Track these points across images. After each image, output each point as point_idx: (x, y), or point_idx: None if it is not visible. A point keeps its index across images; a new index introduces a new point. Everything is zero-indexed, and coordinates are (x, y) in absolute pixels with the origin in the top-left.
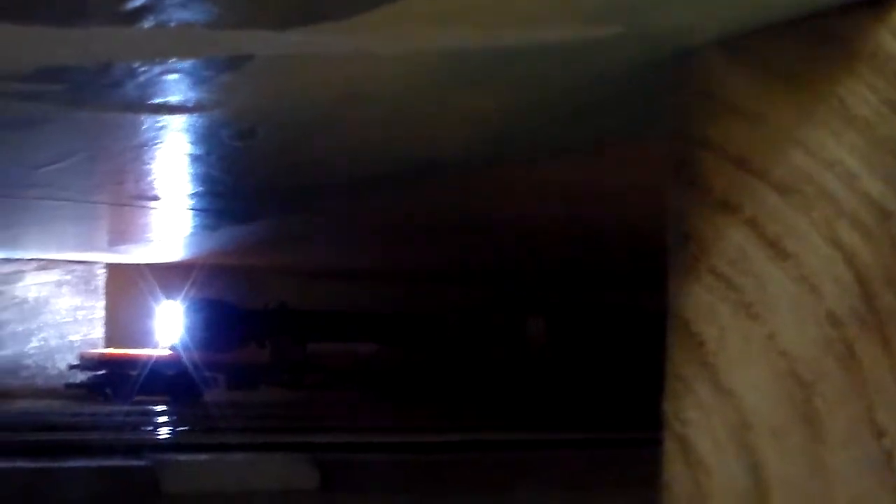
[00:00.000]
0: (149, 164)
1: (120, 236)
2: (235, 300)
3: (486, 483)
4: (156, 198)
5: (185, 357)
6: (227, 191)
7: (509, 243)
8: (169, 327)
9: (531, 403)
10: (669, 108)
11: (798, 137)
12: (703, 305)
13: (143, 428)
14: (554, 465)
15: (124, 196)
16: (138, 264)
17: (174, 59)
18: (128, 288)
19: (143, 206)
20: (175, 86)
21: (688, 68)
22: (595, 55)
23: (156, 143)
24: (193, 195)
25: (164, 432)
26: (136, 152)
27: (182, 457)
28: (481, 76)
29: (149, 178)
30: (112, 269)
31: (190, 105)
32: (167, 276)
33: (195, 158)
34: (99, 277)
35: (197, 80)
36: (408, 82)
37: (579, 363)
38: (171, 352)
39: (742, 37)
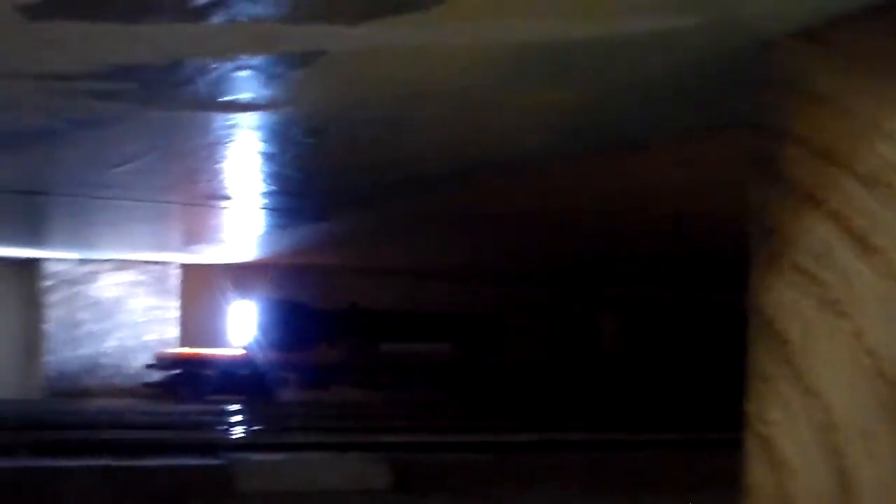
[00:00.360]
0: (221, 163)
1: (193, 236)
2: (308, 300)
3: (558, 483)
4: (228, 197)
5: (258, 357)
6: (299, 189)
7: (583, 240)
8: (242, 327)
9: (604, 403)
10: (750, 100)
11: (884, 129)
12: (787, 302)
13: (217, 427)
14: (628, 465)
15: (197, 196)
16: (212, 264)
17: (245, 56)
18: (202, 288)
19: (216, 206)
20: (246, 83)
21: (770, 59)
22: (674, 46)
23: (227, 142)
24: (266, 194)
25: (238, 431)
26: (208, 151)
27: (256, 456)
28: (556, 69)
29: (221, 178)
30: (186, 269)
31: (261, 102)
32: (240, 276)
33: (267, 157)
34: (173, 278)
35: (268, 76)
36: (479, 77)
37: (654, 362)
38: (244, 352)
39: (825, 26)
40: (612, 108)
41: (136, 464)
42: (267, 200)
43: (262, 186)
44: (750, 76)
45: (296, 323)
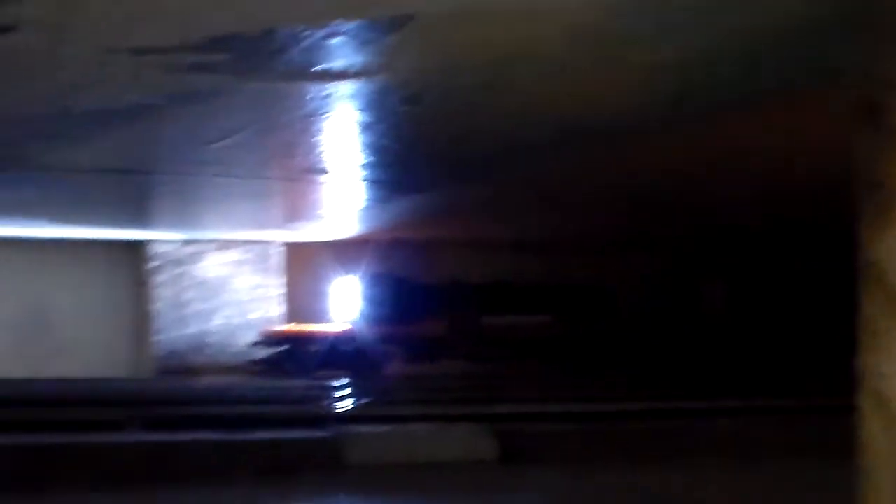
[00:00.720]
0: (318, 135)
1: (294, 212)
2: (411, 274)
3: (663, 452)
4: (326, 170)
5: (362, 332)
6: (396, 161)
7: (685, 207)
8: (346, 303)
9: (709, 371)
10: (860, 50)
11: None
12: None
13: (323, 401)
14: (737, 432)
15: (296, 170)
16: (314, 242)
17: (336, 22)
18: (305, 265)
19: (315, 180)
20: (339, 50)
21: (882, 6)
22: None
23: (323, 113)
24: (364, 166)
25: (344, 405)
26: (304, 123)
27: (363, 428)
28: (658, 27)
29: (318, 150)
30: (289, 247)
31: (355, 70)
32: (343, 252)
33: (364, 127)
34: (276, 256)
35: (360, 42)
36: (579, 38)
37: (759, 330)
38: (348, 327)
39: None
40: (716, 66)
41: (244, 437)
42: (366, 173)
43: (360, 158)
44: (860, 25)
45: (398, 298)
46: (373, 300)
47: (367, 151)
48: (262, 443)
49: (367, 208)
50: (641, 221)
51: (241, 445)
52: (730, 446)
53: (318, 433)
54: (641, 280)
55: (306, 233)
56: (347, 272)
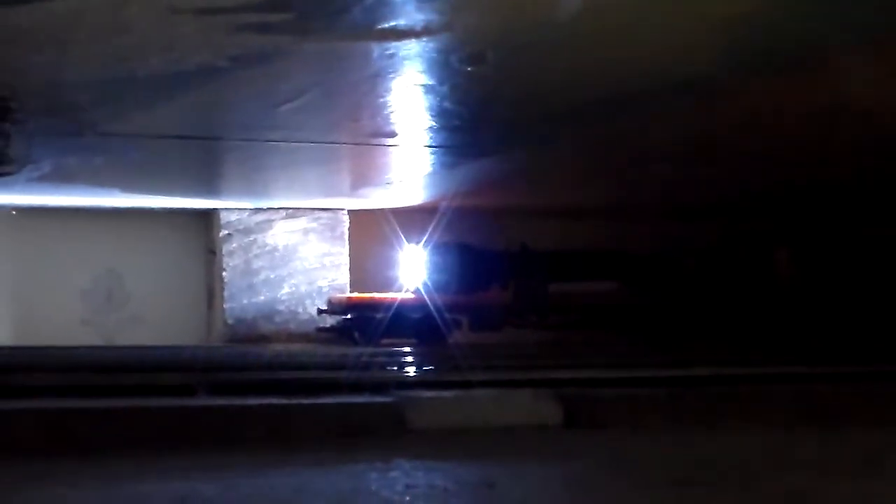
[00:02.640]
0: (383, 97)
1: (360, 179)
2: (477, 242)
3: (731, 416)
4: (392, 134)
5: (428, 300)
6: (462, 124)
7: (754, 171)
8: (412, 271)
9: (780, 338)
10: None
11: None
12: None
13: (389, 367)
14: (806, 398)
15: (361, 134)
16: (380, 209)
17: None
18: (371, 233)
19: (381, 145)
20: (401, 8)
21: None
22: None
23: (388, 75)
24: (429, 130)
25: (409, 371)
26: (369, 85)
27: (427, 393)
28: None
29: (384, 113)
30: (355, 215)
31: (418, 29)
32: (409, 220)
33: (428, 89)
34: (344, 224)
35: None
36: None
37: (831, 298)
38: (414, 295)
39: None
40: (788, 18)
41: (309, 402)
42: (431, 137)
43: (425, 122)
44: None
45: (466, 265)
46: (438, 268)
47: (431, 115)
48: (327, 407)
49: (432, 174)
50: (712, 187)
51: (306, 410)
52: (803, 412)
53: (383, 398)
54: (712, 247)
55: (373, 200)
56: (413, 240)
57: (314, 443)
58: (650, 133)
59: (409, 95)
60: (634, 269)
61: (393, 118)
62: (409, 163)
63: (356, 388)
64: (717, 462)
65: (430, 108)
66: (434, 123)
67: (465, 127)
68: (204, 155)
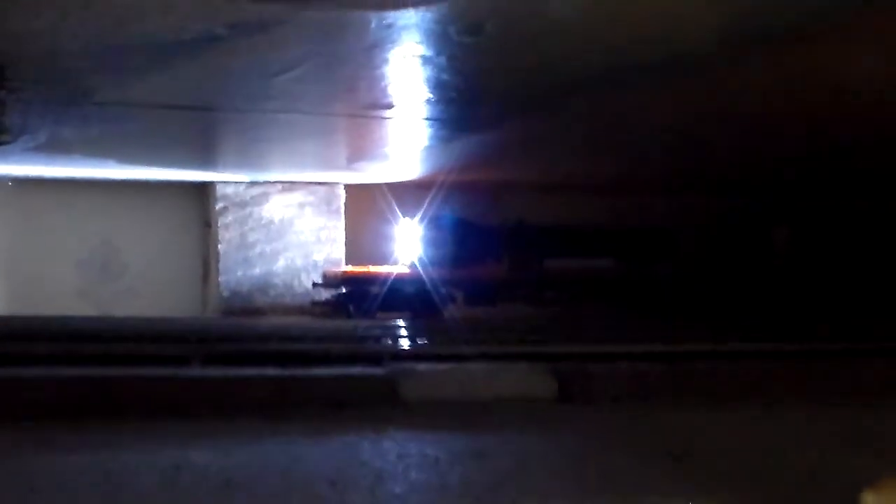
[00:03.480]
0: (380, 67)
1: (357, 152)
2: (472, 217)
3: (724, 393)
4: (389, 105)
5: (423, 274)
6: (459, 96)
7: (752, 147)
8: (408, 245)
9: (777, 315)
10: None
11: None
12: None
13: (383, 340)
14: (802, 374)
15: (358, 105)
16: (377, 183)
17: None
18: (367, 207)
19: (378, 117)
20: None
21: None
22: None
23: (385, 45)
24: (427, 101)
25: (403, 344)
26: (366, 56)
27: (421, 366)
28: None
29: (381, 84)
30: (351, 189)
31: None
32: (405, 194)
33: (425, 60)
34: (340, 198)
35: None
36: None
37: (829, 274)
38: (410, 269)
39: None
40: None
41: (303, 373)
42: (428, 109)
43: (423, 94)
44: None
45: (461, 240)
46: (433, 242)
47: (429, 87)
48: (320, 378)
49: (429, 148)
50: (710, 163)
51: (300, 381)
52: (796, 387)
53: (376, 370)
54: (709, 223)
55: (369, 174)
56: (409, 214)
57: (308, 413)
58: (648, 107)
59: (406, 67)
60: (631, 245)
61: (390, 90)
62: (406, 136)
63: (350, 359)
64: (713, 436)
65: (428, 80)
66: (431, 96)
67: (463, 99)
68: (201, 126)
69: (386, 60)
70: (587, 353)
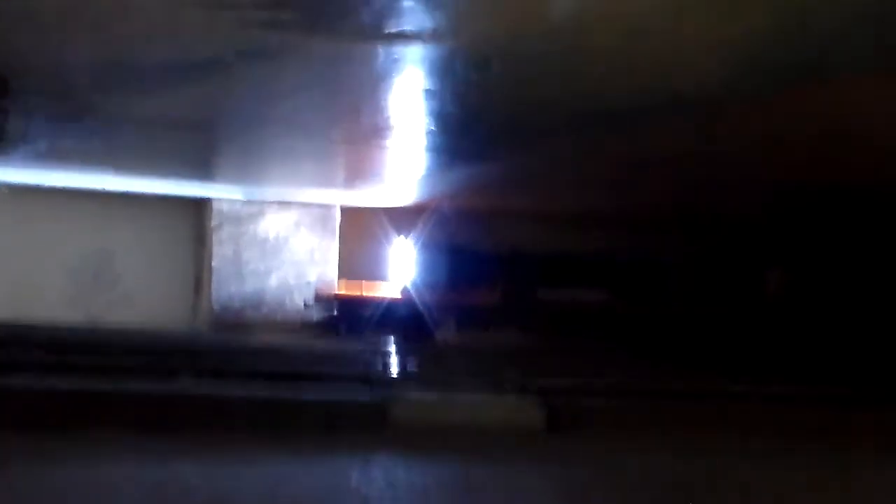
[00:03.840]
0: (384, 98)
1: (355, 176)
2: (467, 244)
3: (713, 431)
4: (389, 135)
5: (416, 298)
6: (461, 128)
7: (749, 188)
8: (401, 269)
9: (767, 356)
10: None
11: None
12: None
13: (373, 363)
14: (787, 417)
15: (359, 133)
16: (373, 207)
17: None
18: (362, 230)
19: (378, 144)
20: (411, 12)
21: None
22: None
23: (391, 77)
24: (428, 133)
25: (394, 368)
26: (371, 86)
27: (411, 392)
28: None
29: (384, 114)
30: (347, 211)
31: (426, 34)
32: (401, 218)
33: (430, 94)
34: (335, 219)
35: (432, 5)
36: (657, 4)
37: (820, 318)
38: (402, 293)
39: None
40: (787, 40)
41: (292, 395)
42: (429, 140)
43: (424, 124)
44: None
45: (454, 266)
46: (427, 267)
47: (431, 118)
48: (309, 402)
49: (427, 175)
50: (708, 200)
51: (289, 401)
52: (777, 429)
53: (366, 394)
54: (704, 260)
55: (365, 197)
56: (404, 239)
57: (295, 435)
58: (648, 146)
59: (410, 98)
60: (624, 278)
61: (392, 119)
62: (405, 163)
63: (340, 381)
64: (695, 469)
65: (430, 112)
66: (433, 126)
67: (463, 130)
68: (200, 143)
69: (390, 91)
70: (576, 385)
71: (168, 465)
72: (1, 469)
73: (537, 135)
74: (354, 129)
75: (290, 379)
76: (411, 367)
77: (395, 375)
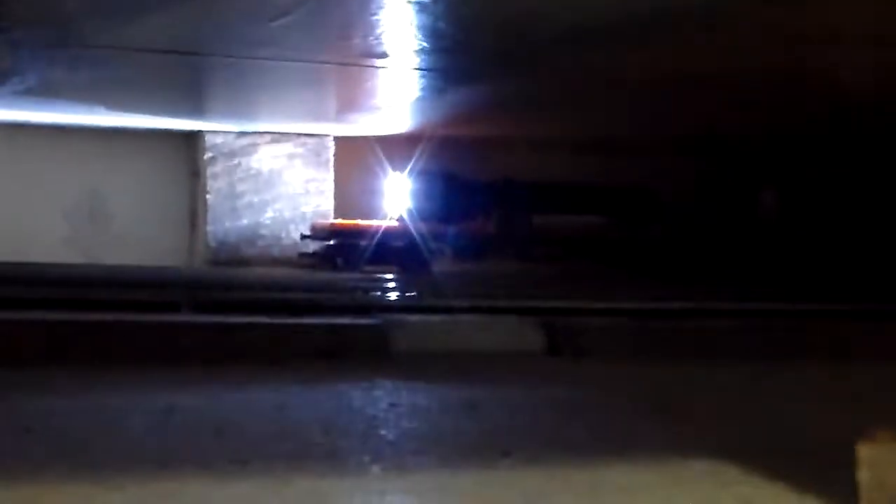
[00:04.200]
0: (375, 14)
1: (347, 103)
2: (462, 172)
3: (708, 350)
4: (382, 55)
5: (412, 228)
6: (453, 46)
7: (744, 105)
8: (396, 199)
9: (761, 275)
10: None
11: None
12: None
13: (372, 292)
14: (780, 333)
15: (351, 54)
16: (366, 136)
17: None
18: (356, 160)
19: (371, 66)
20: None
21: None
22: None
23: None
24: (420, 52)
25: (392, 296)
26: (360, 2)
27: (411, 317)
28: None
29: (375, 32)
30: (340, 141)
31: None
32: (395, 148)
33: (421, 7)
34: (329, 150)
35: None
36: None
37: (812, 237)
38: (398, 223)
39: None
40: None
41: (293, 321)
42: (422, 59)
43: (416, 43)
44: None
45: (449, 195)
46: (422, 197)
47: (423, 35)
48: (311, 327)
49: (420, 100)
50: (700, 123)
51: (290, 329)
52: (771, 346)
53: (366, 320)
54: (698, 183)
55: (359, 127)
56: (399, 168)
57: (297, 362)
58: (637, 63)
59: (401, 14)
60: (619, 203)
61: (384, 37)
62: (397, 87)
63: (340, 310)
64: (701, 392)
65: (422, 28)
66: (425, 44)
67: (456, 49)
68: (191, 72)
69: (381, 6)
70: (576, 308)
71: (174, 393)
72: (9, 399)
73: (530, 53)
74: (346, 49)
75: (291, 309)
76: (410, 296)
77: (394, 304)
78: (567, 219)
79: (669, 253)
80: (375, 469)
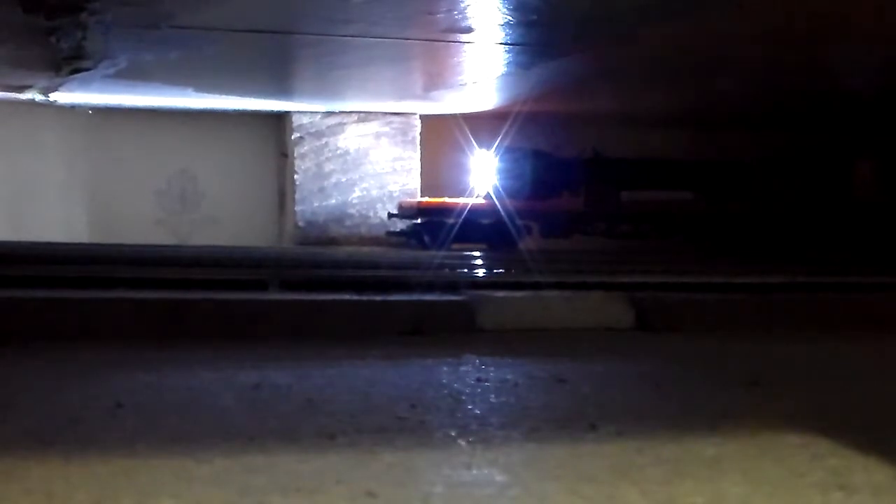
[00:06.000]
0: None
1: (433, 80)
2: (549, 148)
3: (805, 323)
4: (468, 29)
5: (499, 206)
6: (539, 19)
7: (837, 78)
8: (483, 176)
9: (856, 249)
10: None
11: None
12: None
13: (459, 269)
14: (877, 307)
15: (436, 29)
16: (453, 114)
17: None
18: (443, 138)
19: (456, 41)
20: None
21: None
22: None
23: None
24: (505, 25)
25: (480, 272)
26: None
27: (498, 293)
28: None
29: (460, 6)
30: (427, 119)
31: None
32: (481, 125)
33: None
34: (415, 128)
35: None
36: None
37: None
38: (485, 201)
39: None
40: None
41: (381, 298)
42: (507, 33)
43: (502, 17)
44: None
45: (537, 172)
46: (509, 174)
47: (508, 8)
48: (398, 304)
49: (506, 75)
50: (792, 96)
51: (377, 306)
52: (878, 320)
53: (453, 297)
54: (790, 158)
55: (445, 105)
56: (485, 145)
57: (384, 338)
58: (727, 39)
59: None
60: (709, 179)
61: (469, 12)
62: (483, 62)
63: (427, 287)
64: (788, 365)
65: (507, 2)
66: (510, 18)
67: (542, 22)
68: (278, 52)
69: None
70: (664, 283)
71: (262, 370)
72: (101, 375)
73: (617, 26)
74: (431, 24)
75: (378, 287)
76: (497, 272)
77: (481, 280)
78: (657, 195)
79: (760, 228)
80: (462, 443)
